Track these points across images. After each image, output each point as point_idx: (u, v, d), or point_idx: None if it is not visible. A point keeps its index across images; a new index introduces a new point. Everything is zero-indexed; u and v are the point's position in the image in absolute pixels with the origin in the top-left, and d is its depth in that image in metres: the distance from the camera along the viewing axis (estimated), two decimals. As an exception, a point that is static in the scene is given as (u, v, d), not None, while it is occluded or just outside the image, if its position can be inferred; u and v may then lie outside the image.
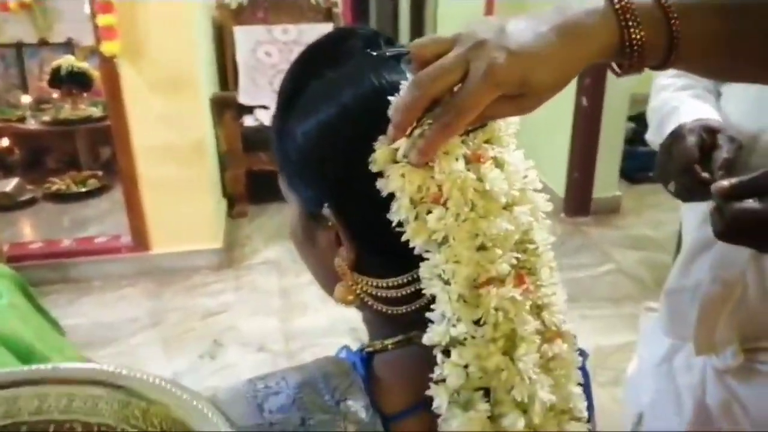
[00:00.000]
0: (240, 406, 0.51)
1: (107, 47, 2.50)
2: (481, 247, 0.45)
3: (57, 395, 0.38)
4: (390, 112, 0.44)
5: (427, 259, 0.45)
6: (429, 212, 0.45)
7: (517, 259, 0.46)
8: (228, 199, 3.53)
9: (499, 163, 0.47)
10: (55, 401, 0.39)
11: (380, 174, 0.45)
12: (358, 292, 0.51)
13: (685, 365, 1.00)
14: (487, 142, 0.48)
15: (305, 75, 0.52)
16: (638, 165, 3.72)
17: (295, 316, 2.53)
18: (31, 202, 3.81)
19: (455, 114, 0.42)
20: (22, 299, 1.87)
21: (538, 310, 0.48)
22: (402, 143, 0.45)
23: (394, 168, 0.44)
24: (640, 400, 1.11)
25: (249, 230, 3.39)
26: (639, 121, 3.75)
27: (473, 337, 0.45)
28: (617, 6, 0.44)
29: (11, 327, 1.69)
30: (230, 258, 3.07)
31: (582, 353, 0.57)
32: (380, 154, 0.45)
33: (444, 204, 0.45)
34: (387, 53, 0.50)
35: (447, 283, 0.45)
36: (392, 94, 0.45)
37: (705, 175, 0.80)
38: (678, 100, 0.94)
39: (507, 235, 0.46)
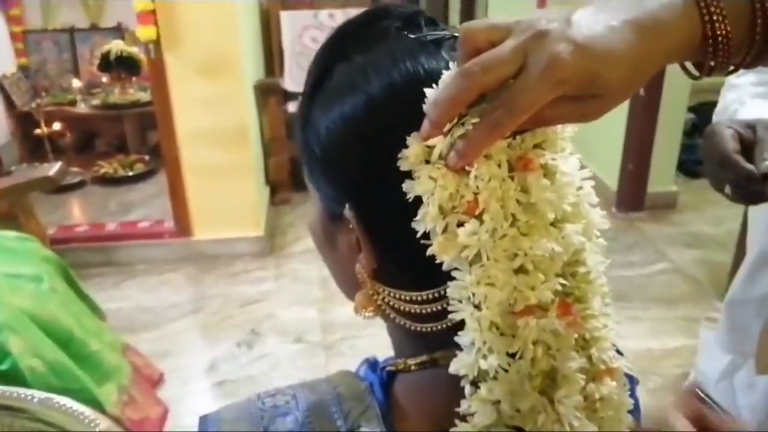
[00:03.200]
0: (245, 426, 0.48)
1: (143, 32, 2.49)
2: (521, 270, 0.39)
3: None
4: (426, 106, 0.38)
5: (456, 278, 0.39)
6: (460, 224, 0.38)
7: (563, 285, 0.40)
8: (271, 186, 3.52)
9: (549, 172, 0.41)
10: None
11: (409, 176, 0.39)
12: (379, 302, 0.45)
13: (747, 384, 0.93)
14: (537, 146, 0.41)
15: (332, 58, 0.46)
16: (697, 158, 3.54)
17: (335, 306, 2.50)
18: (80, 185, 3.90)
19: (506, 112, 0.36)
20: (63, 284, 1.89)
21: (585, 344, 0.42)
22: (438, 142, 0.39)
23: (424, 169, 0.39)
24: None
25: (291, 218, 3.37)
26: (699, 112, 3.57)
27: (506, 371, 0.39)
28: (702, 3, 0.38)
29: (51, 311, 1.71)
30: (272, 245, 3.06)
31: (633, 380, 0.51)
32: (412, 151, 0.39)
33: (479, 216, 0.38)
34: (427, 36, 0.44)
35: (477, 307, 0.39)
36: (429, 85, 0.39)
37: (750, 166, 0.73)
38: (740, 101, 0.87)
39: (553, 257, 0.40)
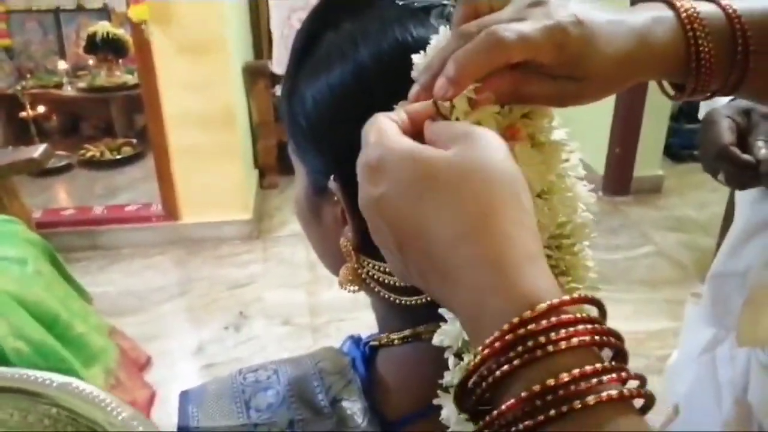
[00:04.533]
0: (226, 401, 0.48)
1: (135, 12, 2.47)
2: None
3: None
4: (414, 73, 0.38)
5: None
6: None
7: (548, 256, 0.40)
8: (259, 170, 3.51)
9: (536, 143, 0.40)
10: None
11: None
12: (363, 276, 0.45)
13: (728, 357, 0.95)
14: (525, 116, 0.41)
15: (320, 27, 0.46)
16: (683, 142, 3.57)
17: (322, 289, 2.50)
18: (67, 168, 3.87)
19: (498, 38, 0.34)
20: (48, 267, 1.87)
21: None
22: None
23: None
24: (677, 390, 1.05)
25: (279, 201, 3.36)
26: (687, 96, 3.58)
27: None
28: (683, 14, 0.39)
29: (36, 294, 1.69)
30: (259, 229, 3.05)
31: None
32: None
33: None
34: (415, 3, 0.44)
35: None
36: (417, 52, 0.39)
37: (747, 157, 0.74)
38: None
39: (539, 228, 0.39)
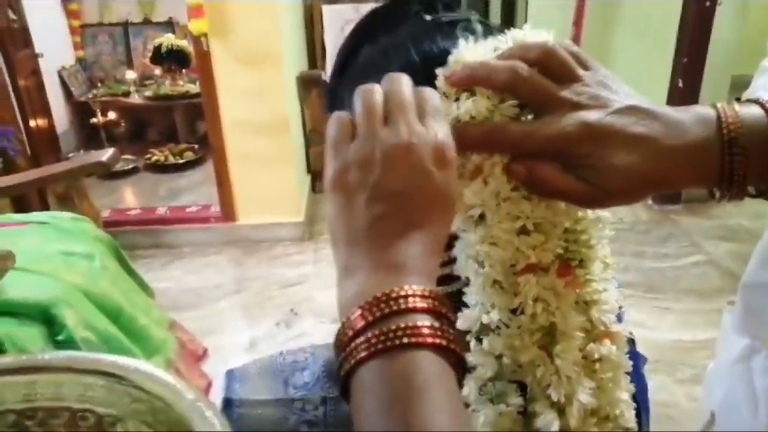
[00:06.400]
0: (268, 379, 0.53)
1: (195, 26, 2.60)
2: (523, 231, 0.42)
3: (73, 383, 0.41)
4: (438, 83, 0.42)
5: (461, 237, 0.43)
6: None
7: (565, 249, 0.44)
8: (312, 175, 3.61)
9: None
10: (70, 389, 0.41)
11: None
12: None
13: (763, 367, 0.93)
14: None
15: (360, 39, 0.51)
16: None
17: (370, 291, 2.55)
18: (134, 171, 4.07)
19: (517, 140, 0.40)
20: (114, 262, 1.98)
21: (585, 306, 0.45)
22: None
23: None
24: (713, 399, 1.05)
25: (330, 205, 3.43)
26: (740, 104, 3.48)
27: (507, 327, 0.42)
28: (725, 136, 0.40)
29: (102, 287, 1.79)
30: (311, 231, 3.15)
31: (639, 357, 0.53)
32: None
33: (484, 180, 0.42)
34: (443, 18, 0.48)
35: (481, 265, 0.43)
36: (443, 62, 0.43)
37: None
38: (764, 88, 0.86)
39: (554, 221, 0.43)
